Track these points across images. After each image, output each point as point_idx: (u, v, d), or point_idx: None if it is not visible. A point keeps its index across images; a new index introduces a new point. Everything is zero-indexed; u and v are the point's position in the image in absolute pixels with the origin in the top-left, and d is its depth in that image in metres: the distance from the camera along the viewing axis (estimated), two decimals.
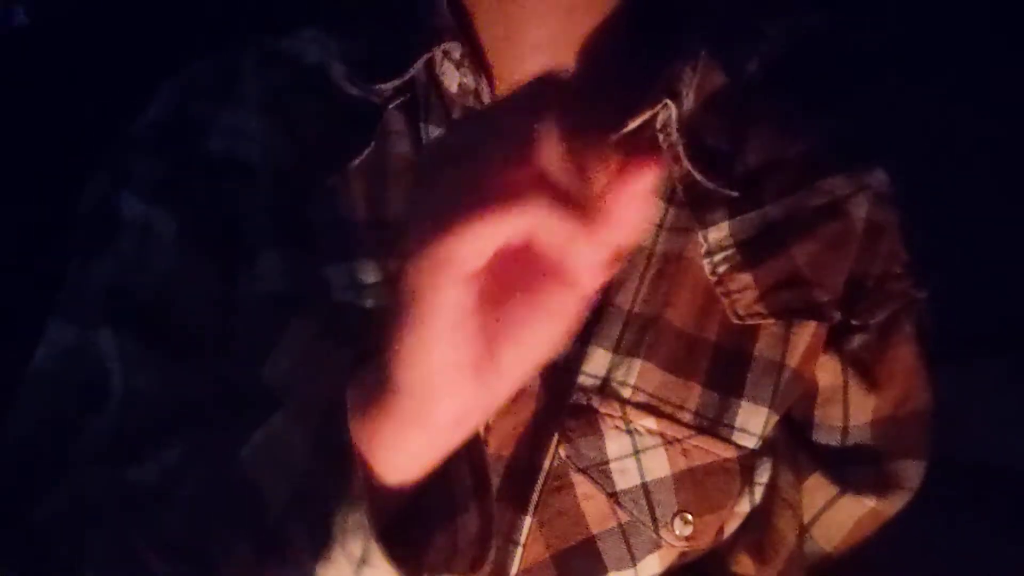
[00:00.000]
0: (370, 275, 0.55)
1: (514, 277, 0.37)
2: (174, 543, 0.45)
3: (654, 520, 0.55)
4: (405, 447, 0.40)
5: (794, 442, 0.59)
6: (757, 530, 0.58)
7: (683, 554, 0.56)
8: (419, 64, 0.56)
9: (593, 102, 0.57)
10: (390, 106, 0.57)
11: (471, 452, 0.43)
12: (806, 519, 0.59)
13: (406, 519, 0.42)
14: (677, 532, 0.55)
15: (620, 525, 0.55)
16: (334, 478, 0.40)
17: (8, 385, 0.56)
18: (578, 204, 0.34)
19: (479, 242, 0.34)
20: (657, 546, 0.55)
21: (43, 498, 0.51)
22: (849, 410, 0.58)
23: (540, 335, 0.37)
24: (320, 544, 0.41)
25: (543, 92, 0.36)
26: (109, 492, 0.50)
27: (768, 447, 0.57)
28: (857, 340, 0.58)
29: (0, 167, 1.06)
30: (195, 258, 0.56)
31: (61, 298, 0.57)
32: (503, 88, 0.57)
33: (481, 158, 0.35)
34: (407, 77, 0.57)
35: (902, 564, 0.61)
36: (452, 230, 0.34)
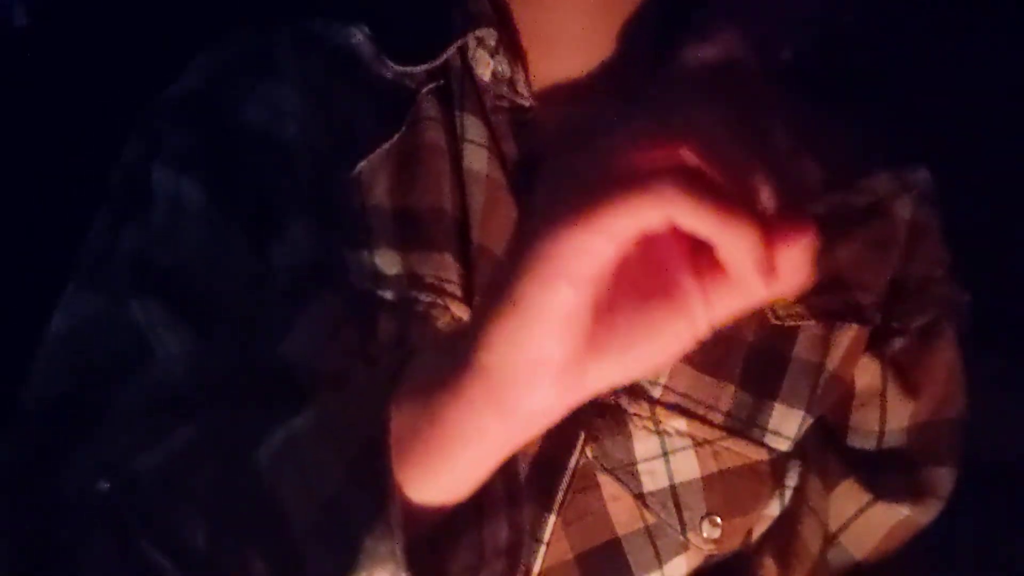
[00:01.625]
0: (390, 266, 0.53)
1: (634, 286, 0.34)
2: (184, 545, 0.42)
3: (682, 523, 0.54)
4: (475, 439, 0.36)
5: (826, 447, 0.58)
6: (781, 536, 0.57)
7: (710, 556, 0.55)
8: (452, 49, 0.56)
9: (628, 94, 0.58)
10: (423, 90, 0.56)
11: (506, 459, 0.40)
12: (836, 526, 0.58)
13: (434, 529, 0.40)
14: (705, 535, 0.54)
15: (647, 527, 0.54)
16: (368, 507, 0.37)
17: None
18: (726, 202, 0.30)
19: (609, 232, 0.31)
20: (684, 548, 0.54)
21: (65, 466, 0.49)
22: (887, 414, 0.57)
23: (640, 353, 0.34)
24: (343, 571, 0.38)
25: (723, 69, 0.32)
26: (114, 477, 0.48)
27: (798, 451, 0.56)
28: (898, 343, 0.57)
29: (0, 167, 1.06)
30: (224, 230, 0.55)
31: (85, 265, 0.55)
32: (538, 78, 0.56)
33: (622, 135, 0.32)
34: (440, 61, 0.56)
35: (903, 564, 0.61)
36: (582, 218, 0.31)
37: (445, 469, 0.37)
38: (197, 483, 0.44)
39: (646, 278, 0.34)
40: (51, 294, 0.57)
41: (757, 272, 0.30)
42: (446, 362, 0.36)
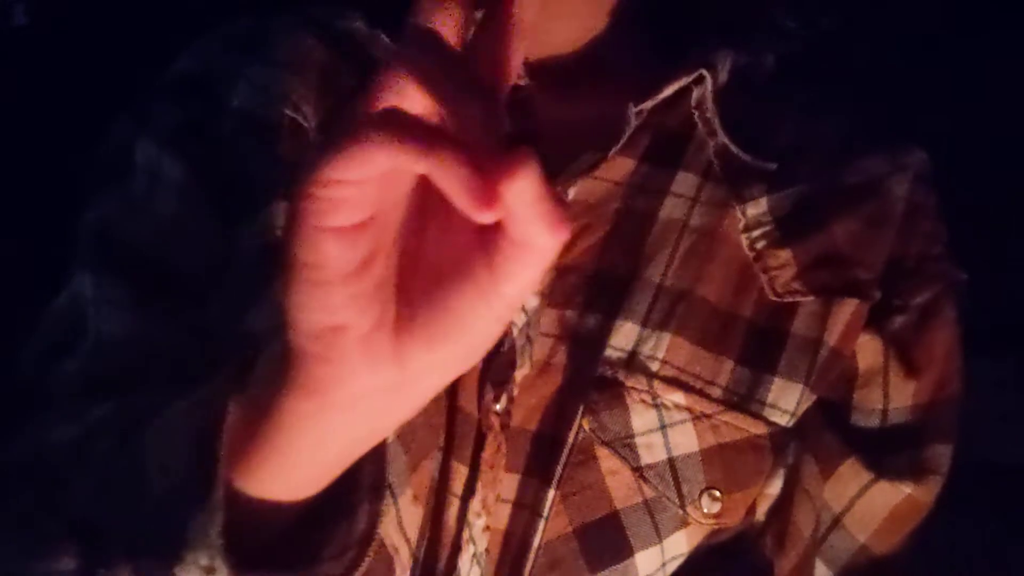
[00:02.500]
0: None
1: (433, 269, 0.34)
2: (76, 515, 0.42)
3: (680, 496, 0.54)
4: (296, 425, 0.35)
5: (826, 428, 0.58)
6: (776, 519, 0.57)
7: (713, 533, 0.55)
8: None
9: (622, 73, 0.58)
10: None
11: (376, 449, 0.39)
12: (839, 508, 0.58)
13: (305, 521, 0.39)
14: (705, 509, 0.54)
15: (646, 501, 0.54)
16: (198, 493, 0.37)
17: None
18: (434, 137, 0.30)
19: (336, 180, 0.31)
20: (684, 523, 0.54)
21: (8, 443, 0.50)
22: (889, 393, 0.57)
23: (451, 337, 0.33)
24: (175, 553, 0.37)
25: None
26: (28, 451, 0.48)
27: (798, 430, 0.56)
28: (898, 321, 0.57)
29: (0, 166, 1.06)
30: (196, 206, 0.56)
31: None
32: (532, 57, 0.57)
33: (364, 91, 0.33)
34: None
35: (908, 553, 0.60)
36: (315, 170, 0.31)
37: (281, 459, 0.37)
38: (95, 458, 0.44)
39: (443, 261, 0.34)
40: (51, 293, 0.57)
41: (473, 201, 0.29)
42: (276, 348, 0.36)
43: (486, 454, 0.53)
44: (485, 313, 0.33)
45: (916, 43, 1.14)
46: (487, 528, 0.53)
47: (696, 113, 0.57)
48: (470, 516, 0.53)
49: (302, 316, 0.33)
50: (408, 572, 0.53)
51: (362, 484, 0.40)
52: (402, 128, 0.30)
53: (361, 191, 0.31)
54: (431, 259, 0.34)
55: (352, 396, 0.34)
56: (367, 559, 0.39)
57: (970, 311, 0.59)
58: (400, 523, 0.52)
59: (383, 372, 0.34)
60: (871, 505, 0.57)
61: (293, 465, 0.37)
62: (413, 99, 0.32)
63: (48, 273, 0.58)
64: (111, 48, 1.08)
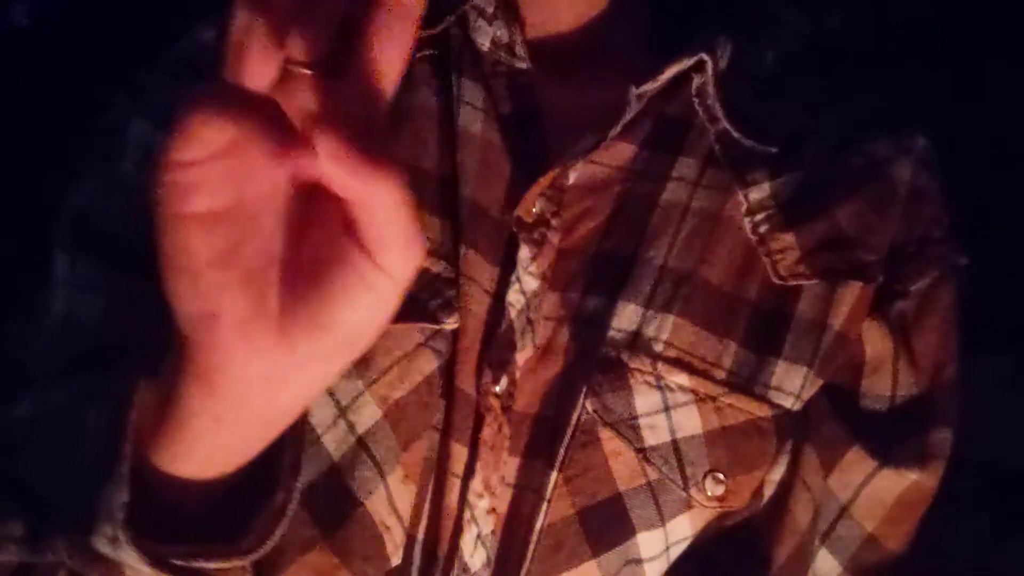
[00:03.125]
0: None
1: (312, 253, 0.34)
2: (29, 489, 0.43)
3: (684, 478, 0.53)
4: (188, 410, 0.36)
5: (830, 418, 0.58)
6: (775, 509, 0.57)
7: (718, 519, 0.55)
8: (451, 18, 0.57)
9: (624, 60, 0.58)
10: (418, 55, 0.57)
11: (296, 431, 0.39)
12: (845, 498, 0.57)
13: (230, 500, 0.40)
14: (709, 492, 0.54)
15: (649, 483, 0.53)
16: (106, 468, 0.38)
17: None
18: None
19: (175, 149, 0.31)
20: (688, 506, 0.54)
21: None
22: (898, 379, 0.57)
23: (335, 321, 0.33)
24: (88, 525, 0.38)
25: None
26: None
27: (803, 416, 0.56)
28: (899, 306, 0.57)
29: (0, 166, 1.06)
30: None
31: None
32: (535, 41, 0.57)
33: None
34: (438, 30, 0.57)
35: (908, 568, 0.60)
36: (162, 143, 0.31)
37: (182, 439, 0.37)
38: (45, 432, 0.45)
39: (323, 248, 0.34)
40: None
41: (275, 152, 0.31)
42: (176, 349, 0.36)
43: (484, 435, 0.53)
44: (364, 295, 0.33)
45: (918, 41, 1.14)
46: (492, 510, 0.53)
47: (697, 100, 0.57)
48: (471, 497, 0.53)
49: (176, 302, 0.33)
50: (402, 550, 0.53)
51: (282, 466, 0.40)
52: (223, 100, 0.31)
53: (206, 173, 0.31)
54: (314, 249, 0.34)
55: (236, 382, 0.35)
56: (272, 538, 0.40)
57: (972, 310, 0.59)
58: (391, 501, 0.52)
59: (266, 360, 0.34)
60: (878, 493, 0.57)
61: (194, 446, 0.37)
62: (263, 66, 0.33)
63: (48, 273, 0.58)
64: (111, 48, 1.08)
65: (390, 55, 0.32)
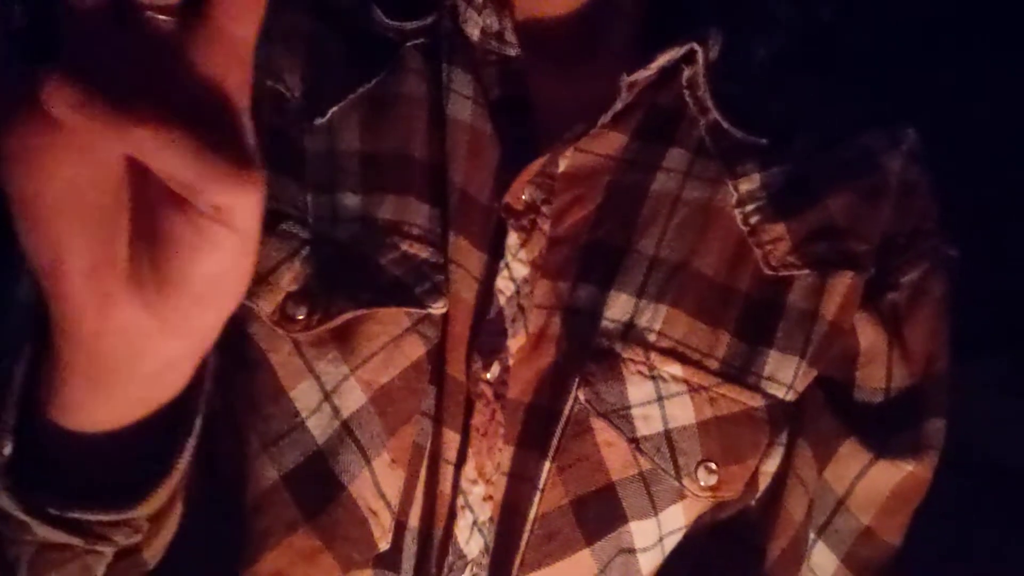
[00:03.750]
0: (351, 207, 0.54)
1: (146, 213, 0.34)
2: None
3: (676, 468, 0.53)
4: (78, 371, 0.37)
5: (826, 408, 0.58)
6: (769, 502, 0.57)
7: (711, 510, 0.55)
8: (440, 12, 0.57)
9: (615, 49, 0.59)
10: (408, 43, 0.57)
11: (192, 391, 0.40)
12: (841, 491, 0.58)
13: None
14: (701, 482, 0.54)
15: (641, 473, 0.54)
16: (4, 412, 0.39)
17: None
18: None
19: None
20: (681, 496, 0.54)
21: None
22: (892, 371, 0.57)
23: (184, 258, 0.33)
24: None
25: None
26: None
27: (796, 407, 0.56)
28: (890, 298, 0.57)
29: None
30: None
31: None
32: (525, 28, 0.57)
33: None
34: (428, 21, 0.57)
35: (905, 563, 0.61)
36: None
37: (65, 393, 0.38)
38: None
39: (161, 195, 0.33)
40: None
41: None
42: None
43: (475, 421, 0.53)
44: (207, 248, 0.33)
45: (914, 37, 1.14)
46: (488, 498, 0.53)
47: (687, 91, 0.57)
48: (463, 483, 0.53)
49: (29, 254, 0.33)
50: (391, 535, 0.53)
51: (173, 427, 0.40)
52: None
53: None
54: (157, 198, 0.34)
55: (90, 333, 0.35)
56: (154, 496, 0.40)
57: (969, 313, 0.59)
58: (377, 485, 0.52)
59: (119, 312, 0.34)
60: (873, 485, 0.57)
61: (75, 400, 0.38)
62: None
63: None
64: None
65: None
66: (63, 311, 0.35)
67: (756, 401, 0.55)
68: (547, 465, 0.53)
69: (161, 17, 0.32)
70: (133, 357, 0.36)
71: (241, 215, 0.32)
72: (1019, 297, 1.18)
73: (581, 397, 0.53)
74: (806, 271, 0.56)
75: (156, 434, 0.39)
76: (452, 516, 0.53)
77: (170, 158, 0.30)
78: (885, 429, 0.57)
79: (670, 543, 0.55)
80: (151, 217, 0.33)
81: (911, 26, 1.13)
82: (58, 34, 0.32)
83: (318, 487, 0.52)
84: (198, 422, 0.40)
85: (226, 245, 0.33)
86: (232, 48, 0.32)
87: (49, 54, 0.32)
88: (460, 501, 0.53)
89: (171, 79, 0.32)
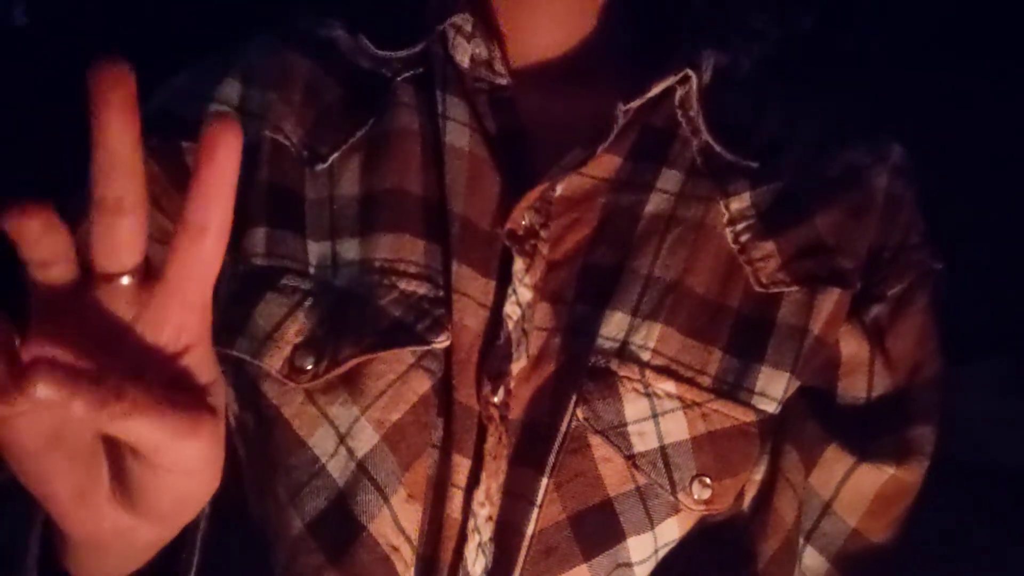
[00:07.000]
0: (350, 252, 0.55)
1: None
2: None
3: (672, 483, 0.54)
4: (82, 550, 0.42)
5: (808, 416, 0.58)
6: (760, 506, 0.58)
7: (703, 520, 0.56)
8: (431, 36, 0.57)
9: (606, 73, 0.59)
10: (399, 78, 0.58)
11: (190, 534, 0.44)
12: (827, 495, 0.58)
13: None
14: (696, 496, 0.54)
15: (638, 488, 0.54)
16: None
17: None
18: None
19: None
20: (676, 510, 0.55)
21: None
22: (874, 380, 0.58)
23: (165, 489, 0.36)
24: None
25: None
26: None
27: (781, 417, 0.57)
28: (875, 310, 0.58)
29: (0, 167, 1.06)
30: None
31: None
32: (514, 57, 0.58)
33: None
34: (418, 48, 0.58)
35: (903, 563, 0.61)
36: None
37: (77, 556, 0.42)
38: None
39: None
40: None
41: None
42: None
43: (489, 445, 0.53)
44: (165, 475, 0.35)
45: (901, 43, 1.14)
46: (490, 518, 0.54)
47: (680, 112, 0.58)
48: (475, 506, 0.53)
49: (19, 477, 0.36)
50: (413, 570, 0.53)
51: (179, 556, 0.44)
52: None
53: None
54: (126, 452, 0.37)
55: (90, 536, 0.38)
56: None
57: (968, 315, 0.59)
58: (396, 522, 0.53)
59: (110, 520, 0.37)
60: (858, 487, 0.57)
61: (84, 561, 0.42)
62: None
63: None
64: (111, 48, 1.08)
65: (203, 251, 0.33)
66: (59, 522, 0.37)
67: (748, 416, 0.55)
68: (544, 482, 0.53)
69: (123, 281, 0.34)
70: (128, 545, 0.39)
71: (199, 457, 0.35)
72: (1019, 297, 1.18)
73: (579, 414, 0.54)
74: (795, 288, 0.56)
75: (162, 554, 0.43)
76: (462, 539, 0.53)
77: (134, 430, 0.32)
78: (867, 434, 0.58)
79: (664, 553, 0.56)
80: (122, 452, 0.36)
81: (899, 30, 1.14)
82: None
83: (340, 530, 0.53)
84: (201, 527, 0.45)
85: (192, 472, 0.35)
86: (189, 299, 0.34)
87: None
88: (471, 524, 0.53)
89: (131, 333, 0.34)
